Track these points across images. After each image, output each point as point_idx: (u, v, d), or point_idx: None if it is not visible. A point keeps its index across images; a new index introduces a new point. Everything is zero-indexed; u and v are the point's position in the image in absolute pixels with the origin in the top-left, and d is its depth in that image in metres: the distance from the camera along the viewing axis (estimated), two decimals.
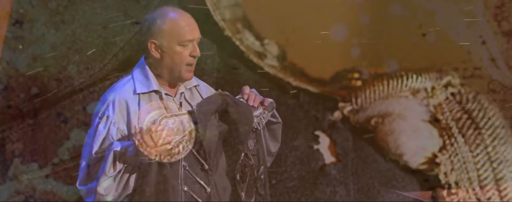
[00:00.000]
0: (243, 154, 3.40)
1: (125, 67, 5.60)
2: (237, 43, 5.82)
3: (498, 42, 5.77)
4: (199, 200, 3.32)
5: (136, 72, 3.41)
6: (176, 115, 3.32)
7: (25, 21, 5.56)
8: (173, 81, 3.40)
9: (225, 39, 5.80)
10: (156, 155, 3.21)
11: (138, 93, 3.36)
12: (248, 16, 5.82)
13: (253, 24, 5.82)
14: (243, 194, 3.41)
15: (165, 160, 3.24)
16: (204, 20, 5.74)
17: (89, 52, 5.42)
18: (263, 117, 3.48)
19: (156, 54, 3.36)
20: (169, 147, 3.20)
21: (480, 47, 5.77)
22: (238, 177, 3.41)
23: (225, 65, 5.85)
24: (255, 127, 3.44)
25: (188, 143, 3.26)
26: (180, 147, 3.26)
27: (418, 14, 5.74)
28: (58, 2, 5.62)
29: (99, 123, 3.33)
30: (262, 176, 3.44)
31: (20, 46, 5.56)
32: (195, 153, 3.30)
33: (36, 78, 5.56)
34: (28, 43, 5.57)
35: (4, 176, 5.54)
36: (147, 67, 3.40)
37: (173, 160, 3.26)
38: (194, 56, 3.35)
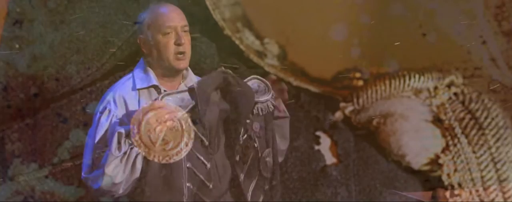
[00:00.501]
0: (245, 135, 3.40)
1: (123, 67, 5.61)
2: (237, 42, 5.80)
3: (498, 42, 5.79)
4: (200, 176, 3.33)
5: (137, 71, 3.48)
6: (177, 92, 3.33)
7: (24, 20, 5.58)
8: (167, 74, 3.42)
9: (224, 38, 5.79)
10: (154, 156, 3.25)
11: (138, 89, 3.41)
12: (248, 15, 5.81)
13: (253, 23, 5.82)
14: (242, 175, 3.40)
15: (163, 161, 3.28)
16: (204, 19, 5.74)
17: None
18: (270, 104, 3.45)
19: (145, 49, 3.44)
20: (173, 124, 3.20)
21: (481, 47, 5.79)
22: (237, 158, 3.40)
23: (224, 64, 5.73)
24: (256, 112, 3.42)
25: (187, 139, 3.28)
26: (181, 145, 3.28)
27: (418, 14, 5.76)
28: (58, 2, 5.63)
29: (100, 116, 3.38)
30: (267, 159, 3.43)
31: (17, 45, 5.57)
32: (195, 129, 3.29)
33: (36, 78, 5.58)
34: (27, 43, 5.58)
35: (4, 176, 5.55)
36: (146, 65, 3.46)
37: (171, 161, 3.30)
38: (178, 44, 3.38)
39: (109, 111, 3.38)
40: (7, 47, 5.56)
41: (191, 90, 3.29)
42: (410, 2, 5.77)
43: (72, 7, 5.61)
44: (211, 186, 3.36)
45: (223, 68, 3.41)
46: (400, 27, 5.73)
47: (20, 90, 5.59)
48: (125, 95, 3.41)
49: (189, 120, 3.28)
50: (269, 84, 3.46)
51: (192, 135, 3.28)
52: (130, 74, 3.49)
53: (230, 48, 5.80)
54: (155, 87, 3.43)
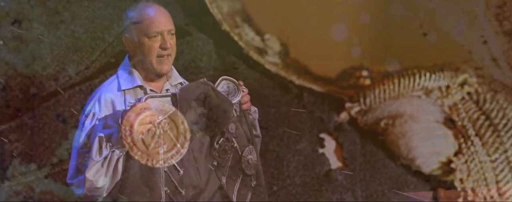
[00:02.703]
0: (221, 139, 3.53)
1: (114, 64, 5.49)
2: (236, 38, 5.76)
3: (499, 41, 5.85)
4: (175, 182, 3.43)
5: (121, 70, 3.57)
6: (161, 96, 3.42)
7: (23, 20, 5.62)
8: (151, 75, 3.54)
9: (222, 34, 5.75)
10: (146, 159, 3.35)
11: (124, 90, 3.51)
12: (248, 9, 5.79)
13: (253, 18, 5.80)
14: (224, 178, 3.54)
15: (157, 165, 3.37)
16: (200, 13, 5.72)
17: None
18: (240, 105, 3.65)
19: (130, 49, 3.55)
20: (151, 127, 3.33)
21: (481, 47, 5.85)
22: (215, 163, 3.52)
23: (222, 62, 5.79)
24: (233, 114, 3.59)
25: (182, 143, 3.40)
26: (175, 148, 3.38)
27: (419, 13, 5.83)
28: (57, 1, 5.65)
29: (85, 120, 3.48)
30: (248, 157, 3.57)
31: (1, 42, 5.56)
32: (171, 135, 3.41)
33: (35, 78, 5.63)
34: (26, 42, 5.61)
35: (3, 176, 5.62)
36: (130, 64, 3.56)
37: (166, 164, 3.40)
38: (163, 48, 3.48)
39: (94, 114, 3.47)
40: (6, 47, 5.61)
41: (173, 97, 3.44)
42: (411, 1, 5.83)
43: (72, 7, 5.68)
44: (183, 192, 3.46)
45: (205, 79, 3.52)
46: (400, 27, 5.80)
47: (19, 90, 5.62)
48: (112, 96, 3.49)
49: (167, 126, 3.38)
50: (237, 84, 3.58)
51: (188, 137, 3.38)
52: (115, 75, 3.58)
53: (229, 44, 5.78)
54: (141, 87, 3.53)
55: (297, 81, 5.82)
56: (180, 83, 3.60)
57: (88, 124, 3.44)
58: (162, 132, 3.33)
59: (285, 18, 5.79)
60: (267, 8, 5.78)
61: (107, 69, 5.60)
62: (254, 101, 3.66)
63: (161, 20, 3.48)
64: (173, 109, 3.39)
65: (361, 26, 5.77)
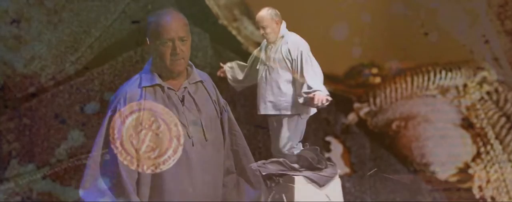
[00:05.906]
0: None
1: (101, 61, 5.67)
2: (234, 32, 5.89)
3: (501, 41, 5.89)
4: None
5: (145, 69, 3.89)
6: None
7: (21, 20, 5.81)
8: (169, 75, 3.85)
9: (219, 28, 5.86)
10: (138, 165, 3.55)
11: (144, 87, 3.81)
12: (247, 1, 5.79)
13: (253, 11, 5.85)
14: None
15: (148, 171, 3.48)
16: (196, 6, 5.75)
17: None
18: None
19: (150, 52, 3.89)
20: (159, 126, 3.63)
21: (483, 47, 5.86)
22: None
23: (219, 59, 5.66)
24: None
25: (176, 145, 3.58)
26: (169, 153, 3.50)
27: (420, 13, 5.89)
28: (55, 1, 5.82)
29: (112, 115, 3.74)
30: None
31: (13, 45, 5.83)
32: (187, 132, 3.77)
33: (33, 78, 5.78)
34: (25, 42, 5.79)
35: (1, 176, 5.76)
36: (152, 64, 3.90)
37: (158, 170, 3.51)
38: (173, 55, 3.80)
39: (120, 112, 3.76)
40: (4, 47, 5.68)
41: None
42: (412, 1, 5.86)
43: (71, 7, 5.76)
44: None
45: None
46: (401, 26, 5.82)
47: (18, 90, 5.71)
48: (133, 93, 3.80)
49: (179, 124, 3.54)
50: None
51: (182, 141, 3.52)
52: (139, 74, 3.88)
53: (226, 39, 5.80)
54: (160, 85, 3.85)
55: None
56: (200, 81, 3.88)
57: (118, 120, 3.69)
58: (171, 131, 3.54)
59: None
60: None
61: (93, 67, 5.66)
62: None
63: (173, 28, 3.79)
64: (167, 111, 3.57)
65: (362, 26, 5.82)
